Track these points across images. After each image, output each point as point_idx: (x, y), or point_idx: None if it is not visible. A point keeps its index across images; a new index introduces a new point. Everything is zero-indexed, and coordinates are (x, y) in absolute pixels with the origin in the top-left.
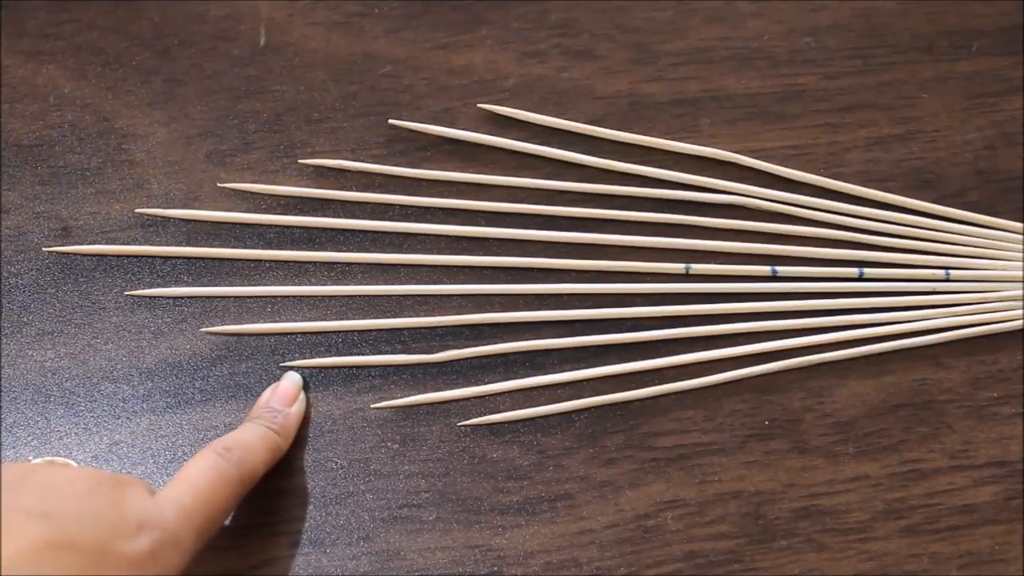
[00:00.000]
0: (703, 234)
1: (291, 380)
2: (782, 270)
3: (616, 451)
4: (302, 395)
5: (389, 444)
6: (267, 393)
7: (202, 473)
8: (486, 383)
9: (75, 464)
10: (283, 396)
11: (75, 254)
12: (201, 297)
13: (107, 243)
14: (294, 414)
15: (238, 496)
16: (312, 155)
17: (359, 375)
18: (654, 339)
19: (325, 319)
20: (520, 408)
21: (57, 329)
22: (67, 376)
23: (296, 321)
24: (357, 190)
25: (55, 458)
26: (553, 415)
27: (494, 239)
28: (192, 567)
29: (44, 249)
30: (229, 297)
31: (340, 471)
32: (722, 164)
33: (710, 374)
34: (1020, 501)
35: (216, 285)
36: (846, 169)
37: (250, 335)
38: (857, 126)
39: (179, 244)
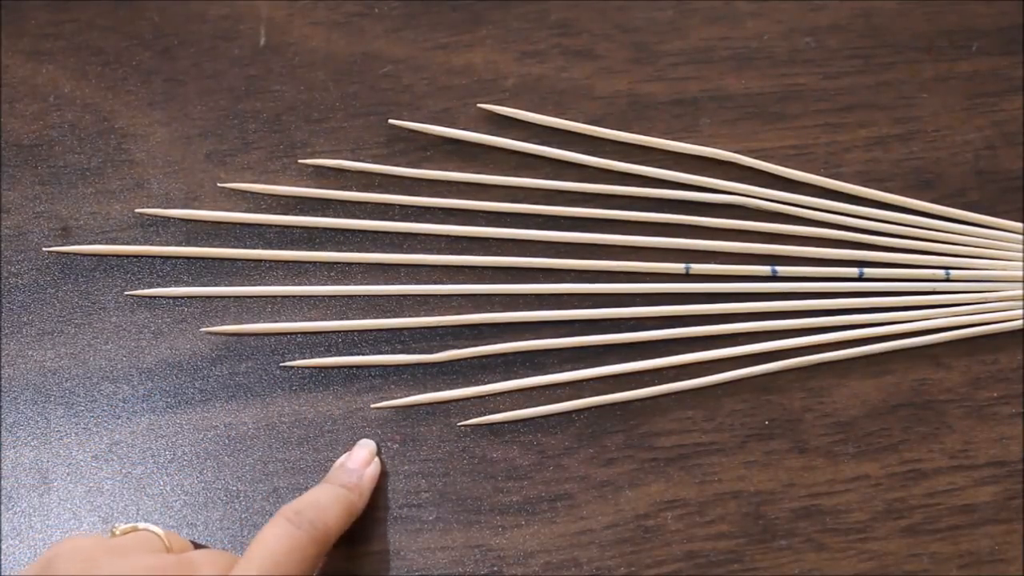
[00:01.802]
0: (703, 234)
1: (365, 446)
2: (782, 270)
3: (616, 451)
4: (376, 459)
5: (389, 444)
6: (342, 458)
7: (272, 542)
8: (486, 383)
9: (159, 532)
10: (358, 460)
11: (75, 254)
12: (201, 297)
13: (107, 243)
14: (368, 474)
15: (314, 558)
16: (312, 155)
17: (359, 375)
18: (654, 339)
19: (325, 319)
20: (520, 408)
21: (57, 329)
22: (67, 376)
23: (296, 321)
24: (357, 190)
25: (142, 525)
26: (553, 415)
27: (494, 239)
28: None
29: (44, 249)
30: (229, 297)
31: None
32: (722, 164)
33: (710, 374)
34: (1020, 501)
35: (216, 285)
36: (846, 169)
37: (250, 335)
38: (857, 126)
39: (179, 244)
